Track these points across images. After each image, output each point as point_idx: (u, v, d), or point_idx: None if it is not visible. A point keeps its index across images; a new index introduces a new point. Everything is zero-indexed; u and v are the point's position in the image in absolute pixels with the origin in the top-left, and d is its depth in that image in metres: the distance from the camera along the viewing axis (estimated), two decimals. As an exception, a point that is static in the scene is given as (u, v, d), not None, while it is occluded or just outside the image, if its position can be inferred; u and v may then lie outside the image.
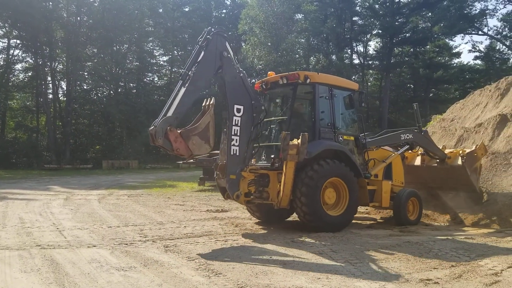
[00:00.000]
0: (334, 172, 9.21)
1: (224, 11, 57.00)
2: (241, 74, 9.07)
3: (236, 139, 8.90)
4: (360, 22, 53.39)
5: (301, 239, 8.45)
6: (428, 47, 52.96)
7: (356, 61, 54.24)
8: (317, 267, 6.42)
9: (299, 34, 46.52)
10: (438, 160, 11.61)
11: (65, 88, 47.95)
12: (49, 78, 45.98)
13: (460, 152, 11.48)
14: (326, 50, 48.04)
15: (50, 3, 41.95)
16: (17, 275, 5.90)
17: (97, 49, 44.75)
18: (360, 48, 55.94)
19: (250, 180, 9.23)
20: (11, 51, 43.75)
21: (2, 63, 44.75)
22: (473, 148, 11.57)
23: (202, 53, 8.83)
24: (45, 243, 7.92)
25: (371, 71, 56.17)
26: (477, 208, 10.91)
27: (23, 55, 45.59)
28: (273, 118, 10.35)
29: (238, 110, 8.94)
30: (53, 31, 42.17)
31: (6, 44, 43.40)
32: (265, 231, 9.51)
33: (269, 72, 10.41)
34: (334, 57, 47.60)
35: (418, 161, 11.88)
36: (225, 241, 8.26)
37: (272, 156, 9.45)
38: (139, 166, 42.55)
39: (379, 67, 53.65)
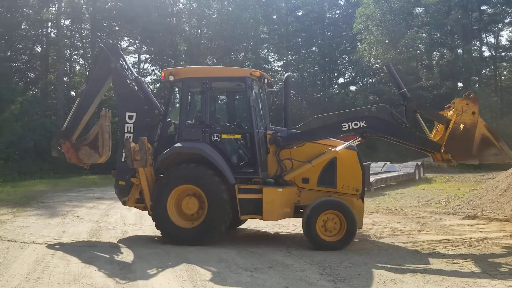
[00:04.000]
0: (185, 178, 8.16)
1: (338, 11, 55.93)
2: (133, 82, 9.25)
3: None
4: (489, 11, 48.57)
5: (432, 247, 7.92)
6: None
7: (487, 54, 49.51)
8: (452, 277, 5.94)
9: (420, 28, 43.89)
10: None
11: (189, 97, 51.41)
12: (175, 89, 49.82)
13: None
14: (450, 43, 44.43)
15: (174, 18, 45.17)
16: (154, 271, 6.40)
17: (217, 58, 46.99)
18: (491, 39, 50.92)
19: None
20: (141, 65, 47.98)
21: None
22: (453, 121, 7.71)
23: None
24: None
25: (504, 63, 50.69)
26: None
27: (152, 68, 49.74)
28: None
29: (130, 117, 9.06)
30: (177, 45, 45.35)
31: (137, 59, 47.77)
32: (390, 238, 9.10)
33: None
34: (460, 50, 43.96)
35: None
36: (348, 247, 8.05)
37: None
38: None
39: (514, 58, 48.41)
